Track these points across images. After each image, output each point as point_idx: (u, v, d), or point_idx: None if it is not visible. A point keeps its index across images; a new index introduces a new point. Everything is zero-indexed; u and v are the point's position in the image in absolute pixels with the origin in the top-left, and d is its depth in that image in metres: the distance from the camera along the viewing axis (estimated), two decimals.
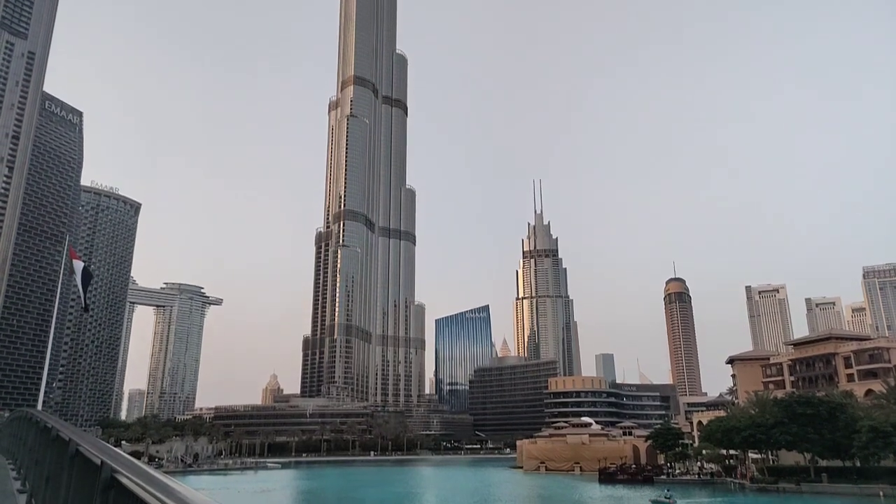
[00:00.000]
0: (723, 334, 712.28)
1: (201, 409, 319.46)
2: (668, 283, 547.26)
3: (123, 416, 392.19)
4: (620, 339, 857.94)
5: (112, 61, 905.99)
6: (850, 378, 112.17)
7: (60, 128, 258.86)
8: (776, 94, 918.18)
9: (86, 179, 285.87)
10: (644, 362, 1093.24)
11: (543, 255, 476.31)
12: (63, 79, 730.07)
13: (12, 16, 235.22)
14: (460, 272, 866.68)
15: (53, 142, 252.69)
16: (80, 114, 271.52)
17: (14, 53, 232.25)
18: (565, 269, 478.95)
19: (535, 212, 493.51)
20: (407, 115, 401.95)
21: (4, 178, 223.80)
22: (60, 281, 70.68)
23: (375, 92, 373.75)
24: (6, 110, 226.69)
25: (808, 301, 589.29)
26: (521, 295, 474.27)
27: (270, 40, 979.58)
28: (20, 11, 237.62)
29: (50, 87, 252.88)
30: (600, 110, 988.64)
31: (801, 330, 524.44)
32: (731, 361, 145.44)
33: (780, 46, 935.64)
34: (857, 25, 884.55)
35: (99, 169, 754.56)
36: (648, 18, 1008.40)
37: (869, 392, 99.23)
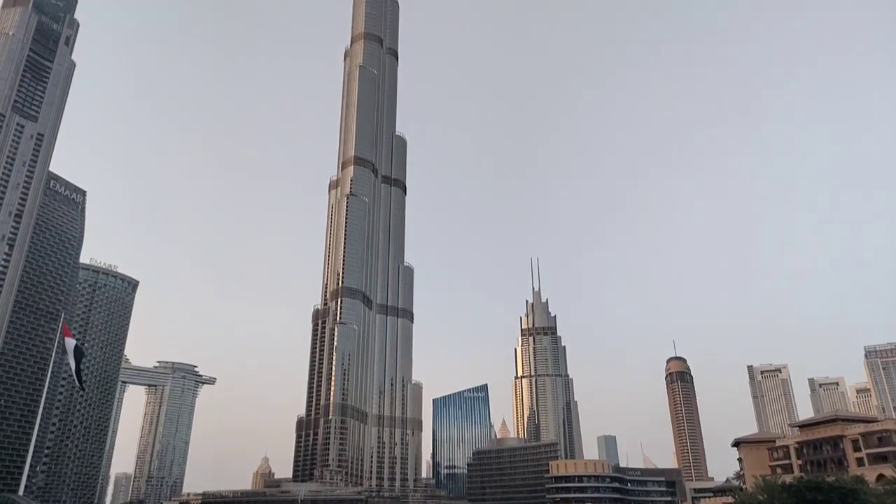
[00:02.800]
0: (727, 414, 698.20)
1: (188, 494, 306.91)
2: (668, 361, 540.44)
3: (108, 501, 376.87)
4: (622, 420, 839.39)
5: (116, 140, 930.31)
6: (859, 462, 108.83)
7: (63, 206, 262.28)
8: (777, 171, 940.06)
9: (85, 257, 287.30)
10: (647, 444, 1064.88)
11: (542, 332, 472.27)
12: (67, 156, 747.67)
13: (24, 99, 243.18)
14: (458, 350, 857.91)
15: (55, 220, 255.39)
16: (83, 193, 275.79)
17: (24, 135, 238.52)
18: (564, 347, 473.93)
19: (533, 289, 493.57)
20: (406, 194, 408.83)
21: (4, 256, 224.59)
22: (53, 359, 69.70)
23: (375, 172, 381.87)
24: (11, 189, 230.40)
25: (811, 381, 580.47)
26: (520, 374, 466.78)
27: (272, 123, 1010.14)
28: (33, 95, 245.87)
29: (55, 165, 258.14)
30: (597, 188, 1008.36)
31: (805, 411, 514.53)
32: (736, 444, 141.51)
33: (775, 123, 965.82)
34: (856, 108, 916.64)
35: (99, 246, 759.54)
36: (639, 89, 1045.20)
37: (881, 477, 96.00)
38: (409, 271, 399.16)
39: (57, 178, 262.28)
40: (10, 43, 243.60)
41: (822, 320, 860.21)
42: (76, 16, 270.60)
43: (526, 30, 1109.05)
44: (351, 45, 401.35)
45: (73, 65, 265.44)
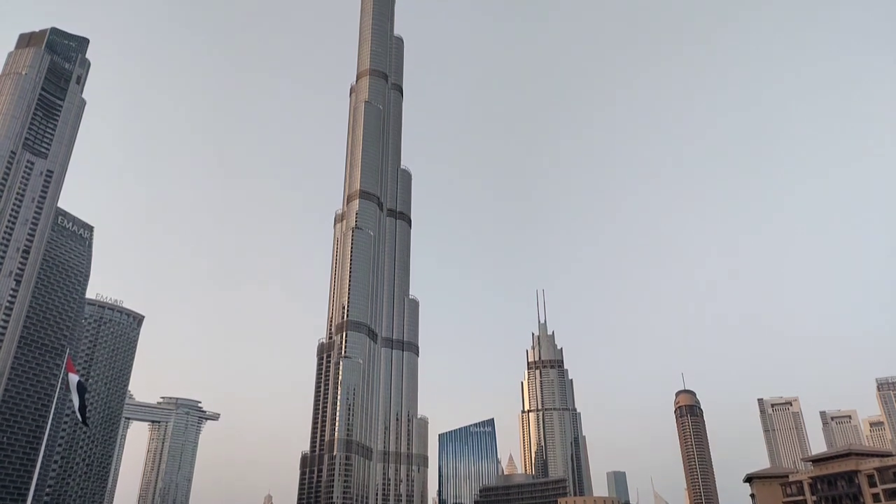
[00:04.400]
0: (738, 449, 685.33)
1: None
2: (678, 395, 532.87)
3: None
4: (631, 455, 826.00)
5: (124, 176, 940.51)
6: (875, 498, 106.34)
7: (71, 242, 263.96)
8: (789, 201, 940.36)
9: (91, 292, 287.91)
10: (658, 479, 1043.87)
11: (549, 365, 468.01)
12: (75, 192, 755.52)
13: (35, 137, 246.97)
14: (464, 384, 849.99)
15: (63, 256, 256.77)
16: (90, 228, 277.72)
17: (33, 172, 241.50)
18: (571, 380, 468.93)
19: (539, 321, 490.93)
20: (411, 227, 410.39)
21: (11, 292, 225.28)
22: (56, 395, 69.34)
23: (380, 205, 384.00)
24: (20, 226, 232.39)
25: (822, 414, 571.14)
26: (526, 408, 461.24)
27: (279, 158, 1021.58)
28: (43, 133, 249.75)
29: (63, 200, 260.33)
30: (604, 219, 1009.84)
31: (817, 445, 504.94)
32: (749, 480, 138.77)
33: (785, 151, 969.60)
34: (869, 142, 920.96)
35: (105, 280, 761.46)
36: (650, 113, 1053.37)
37: None
38: (415, 304, 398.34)
39: (65, 213, 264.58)
40: (22, 82, 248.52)
41: (832, 351, 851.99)
42: (87, 55, 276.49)
43: (529, 64, 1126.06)
44: (357, 81, 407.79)
45: (83, 103, 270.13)
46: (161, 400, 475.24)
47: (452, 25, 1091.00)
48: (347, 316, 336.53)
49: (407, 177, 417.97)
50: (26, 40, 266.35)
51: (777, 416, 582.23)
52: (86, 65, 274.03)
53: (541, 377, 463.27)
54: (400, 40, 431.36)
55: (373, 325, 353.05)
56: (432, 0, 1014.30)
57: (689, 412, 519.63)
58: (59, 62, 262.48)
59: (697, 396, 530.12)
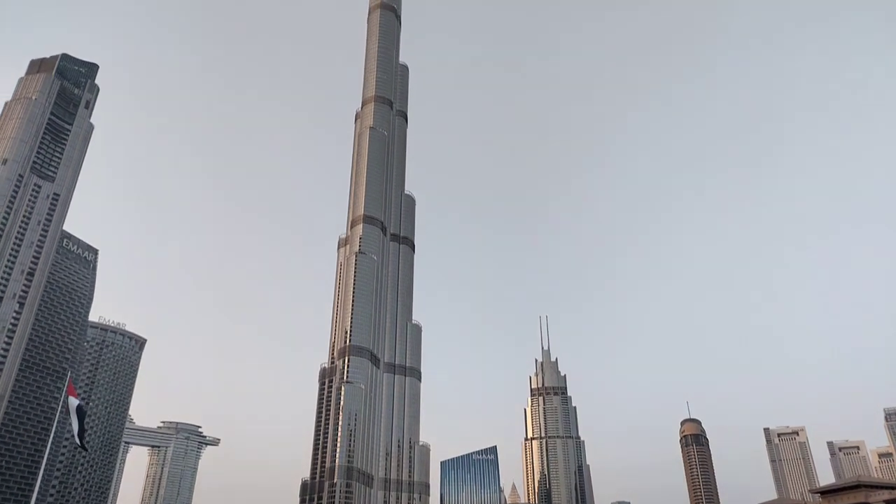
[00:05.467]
0: (745, 479, 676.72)
1: None
2: (683, 423, 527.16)
3: None
4: (636, 484, 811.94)
5: (129, 199, 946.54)
6: None
7: (75, 265, 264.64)
8: (792, 227, 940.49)
9: (94, 314, 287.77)
10: None
11: (552, 392, 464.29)
12: (81, 214, 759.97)
13: (43, 160, 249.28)
14: (466, 410, 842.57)
15: (67, 278, 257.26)
16: (95, 251, 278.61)
17: (40, 195, 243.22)
18: (575, 407, 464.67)
19: (542, 347, 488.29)
20: (414, 252, 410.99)
21: (14, 314, 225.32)
22: (56, 419, 68.86)
23: (384, 230, 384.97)
24: (25, 248, 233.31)
25: (830, 445, 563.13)
26: (530, 435, 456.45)
27: (283, 182, 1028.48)
28: (51, 156, 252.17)
29: (68, 223, 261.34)
30: (607, 245, 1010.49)
31: (825, 475, 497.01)
32: None
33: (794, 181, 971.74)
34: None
35: (108, 303, 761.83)
36: (654, 142, 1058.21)
37: None
38: (417, 329, 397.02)
39: (70, 236, 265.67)
40: (32, 107, 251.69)
41: (839, 380, 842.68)
42: (97, 80, 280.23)
43: (533, 92, 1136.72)
44: (362, 107, 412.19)
45: (91, 127, 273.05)
46: (161, 424, 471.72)
47: (457, 53, 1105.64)
48: (350, 340, 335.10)
49: (410, 202, 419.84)
50: (37, 66, 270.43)
51: (783, 445, 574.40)
52: (94, 90, 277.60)
53: (544, 404, 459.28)
54: (405, 68, 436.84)
55: (375, 349, 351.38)
56: (437, 28, 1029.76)
57: (694, 441, 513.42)
58: (68, 87, 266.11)
59: (703, 425, 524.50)
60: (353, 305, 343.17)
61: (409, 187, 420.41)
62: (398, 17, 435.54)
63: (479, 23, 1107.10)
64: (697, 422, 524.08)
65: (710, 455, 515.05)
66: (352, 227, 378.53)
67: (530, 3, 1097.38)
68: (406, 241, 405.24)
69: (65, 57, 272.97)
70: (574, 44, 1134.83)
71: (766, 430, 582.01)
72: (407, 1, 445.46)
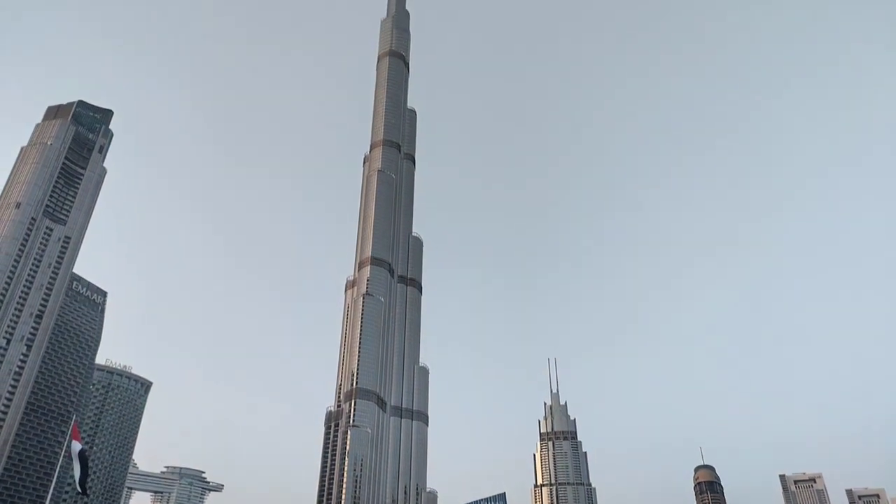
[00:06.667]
0: None
1: None
2: (697, 470, 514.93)
3: None
4: None
5: (139, 241, 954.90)
6: None
7: (84, 307, 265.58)
8: (806, 267, 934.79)
9: (101, 357, 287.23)
10: None
11: (562, 437, 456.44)
12: (90, 256, 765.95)
13: (56, 204, 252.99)
14: (474, 455, 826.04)
15: (75, 321, 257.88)
16: (104, 294, 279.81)
17: (51, 238, 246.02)
18: (585, 453, 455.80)
19: (552, 391, 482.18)
20: (421, 294, 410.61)
21: (21, 357, 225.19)
22: (59, 464, 68.05)
23: (391, 272, 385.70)
24: (35, 291, 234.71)
25: (849, 493, 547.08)
26: (539, 482, 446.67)
27: (291, 226, 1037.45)
28: (64, 200, 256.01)
29: (78, 265, 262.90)
30: (619, 288, 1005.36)
31: None
32: None
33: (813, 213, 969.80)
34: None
35: (115, 346, 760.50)
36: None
37: None
38: (425, 372, 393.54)
39: (79, 279, 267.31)
40: (47, 152, 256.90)
41: (858, 425, 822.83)
42: (111, 126, 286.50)
43: (538, 139, 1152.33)
44: (370, 151, 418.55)
45: (104, 171, 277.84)
46: (164, 469, 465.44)
47: (465, 97, 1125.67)
48: (357, 383, 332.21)
49: (418, 244, 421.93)
50: (54, 112, 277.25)
51: (801, 493, 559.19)
52: (109, 135, 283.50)
53: (553, 449, 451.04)
54: (413, 112, 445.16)
55: (382, 392, 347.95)
56: (445, 73, 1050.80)
57: (708, 488, 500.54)
58: (83, 133, 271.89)
59: (717, 472, 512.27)
60: (360, 347, 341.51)
61: (417, 229, 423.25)
62: (406, 64, 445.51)
63: (485, 68, 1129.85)
64: (712, 468, 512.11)
65: (725, 503, 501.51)
66: (359, 269, 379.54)
67: (533, 52, 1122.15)
68: (413, 283, 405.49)
69: (81, 104, 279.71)
70: (582, 86, 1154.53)
71: (783, 477, 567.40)
72: (415, 48, 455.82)
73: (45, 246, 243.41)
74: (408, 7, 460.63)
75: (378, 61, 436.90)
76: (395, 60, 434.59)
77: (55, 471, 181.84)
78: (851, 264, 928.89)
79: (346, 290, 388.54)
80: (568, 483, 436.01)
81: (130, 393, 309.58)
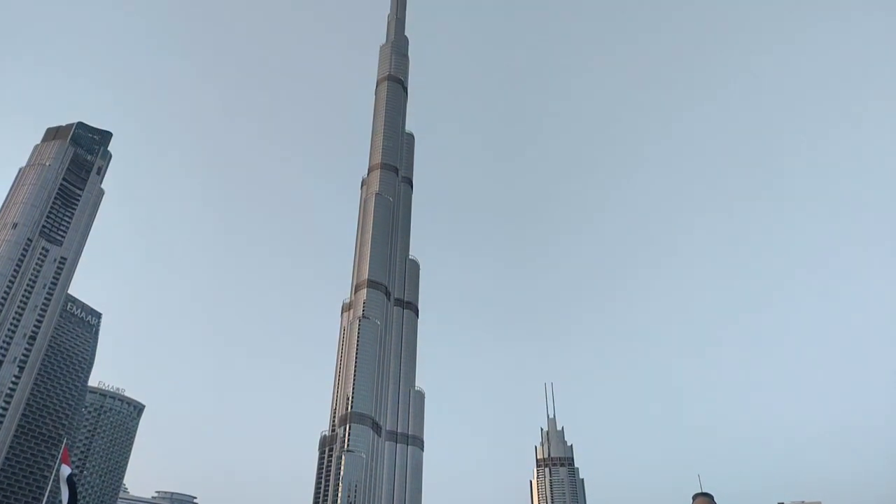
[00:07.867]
0: None
1: None
2: (695, 498, 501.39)
3: None
4: None
5: (134, 263, 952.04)
6: None
7: (78, 329, 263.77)
8: (804, 289, 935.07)
9: (94, 379, 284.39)
10: None
11: (558, 463, 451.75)
12: (85, 278, 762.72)
13: (52, 225, 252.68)
14: (470, 481, 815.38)
15: (69, 342, 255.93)
16: (98, 315, 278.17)
17: (47, 259, 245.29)
18: (583, 479, 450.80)
19: (548, 416, 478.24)
20: (418, 317, 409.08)
21: (13, 378, 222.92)
22: (49, 488, 67.07)
23: (388, 295, 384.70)
24: (29, 312, 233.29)
25: None
26: None
27: (287, 248, 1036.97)
28: (60, 221, 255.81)
29: (73, 286, 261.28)
30: (617, 313, 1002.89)
31: None
32: None
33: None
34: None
35: (108, 368, 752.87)
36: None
37: None
38: (420, 396, 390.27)
39: (74, 300, 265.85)
40: (45, 173, 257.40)
41: (856, 450, 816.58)
42: (110, 147, 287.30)
43: (533, 159, 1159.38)
44: (368, 174, 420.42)
45: (101, 192, 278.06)
46: (155, 494, 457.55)
47: (463, 121, 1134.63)
48: (351, 407, 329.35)
49: (415, 267, 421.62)
50: (53, 133, 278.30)
51: None
52: (107, 157, 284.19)
53: (550, 476, 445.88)
54: (411, 136, 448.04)
55: (377, 417, 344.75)
56: (443, 97, 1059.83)
57: None
58: (81, 154, 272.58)
59: (716, 500, 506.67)
60: (355, 371, 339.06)
61: (414, 252, 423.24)
62: (405, 89, 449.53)
63: (483, 93, 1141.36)
64: (710, 496, 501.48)
65: None
66: (356, 292, 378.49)
67: (530, 78, 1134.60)
68: (410, 306, 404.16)
69: (80, 125, 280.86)
70: (582, 111, 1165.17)
71: None
72: (413, 73, 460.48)
73: (41, 267, 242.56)
74: (407, 33, 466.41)
75: (377, 85, 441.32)
76: (394, 85, 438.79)
77: (44, 495, 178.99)
78: (855, 279, 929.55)
79: (342, 313, 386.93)
80: None
81: (123, 416, 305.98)
